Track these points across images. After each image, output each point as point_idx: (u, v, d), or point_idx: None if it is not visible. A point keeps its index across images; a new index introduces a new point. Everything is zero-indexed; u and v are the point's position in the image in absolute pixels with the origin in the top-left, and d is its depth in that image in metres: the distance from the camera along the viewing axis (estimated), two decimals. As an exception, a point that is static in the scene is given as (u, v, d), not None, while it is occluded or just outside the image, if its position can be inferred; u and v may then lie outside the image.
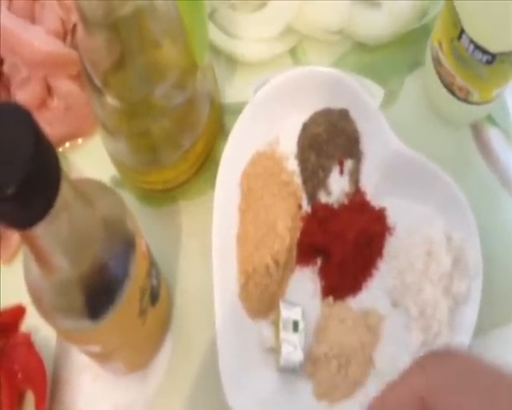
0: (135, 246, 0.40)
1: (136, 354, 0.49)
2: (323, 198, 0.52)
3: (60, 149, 0.56)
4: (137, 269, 0.41)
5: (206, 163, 0.54)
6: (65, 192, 0.31)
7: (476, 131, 0.55)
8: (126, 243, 0.40)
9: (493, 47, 0.46)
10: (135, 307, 0.42)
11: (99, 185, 0.40)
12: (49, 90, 0.56)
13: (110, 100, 0.45)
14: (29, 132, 0.28)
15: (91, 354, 0.46)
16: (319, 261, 0.51)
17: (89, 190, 0.37)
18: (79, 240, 0.35)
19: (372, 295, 0.51)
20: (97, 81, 0.44)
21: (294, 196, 0.52)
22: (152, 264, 0.45)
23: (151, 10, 0.42)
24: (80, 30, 0.43)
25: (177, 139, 0.50)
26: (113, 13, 0.40)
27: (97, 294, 0.39)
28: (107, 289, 0.39)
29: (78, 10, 0.40)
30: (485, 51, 0.46)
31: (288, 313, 0.49)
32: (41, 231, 0.31)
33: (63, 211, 0.31)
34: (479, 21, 0.46)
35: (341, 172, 0.53)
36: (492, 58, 0.46)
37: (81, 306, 0.39)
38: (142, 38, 0.43)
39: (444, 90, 0.52)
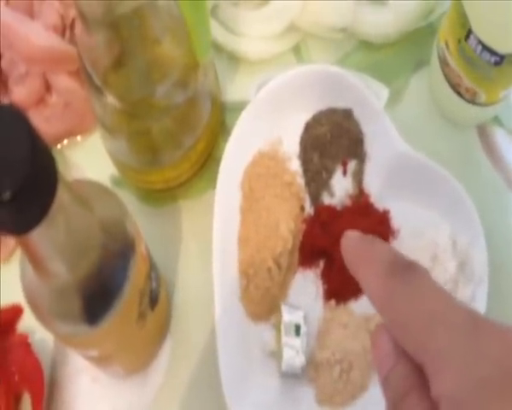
0: (134, 249, 0.39)
1: (135, 358, 0.48)
2: (326, 200, 0.52)
3: (58, 147, 0.55)
4: (137, 273, 0.40)
5: (208, 162, 0.53)
6: (62, 196, 0.30)
7: (482, 132, 0.55)
8: (126, 247, 0.39)
9: (502, 48, 0.45)
10: (134, 311, 0.41)
11: (98, 187, 0.39)
12: (47, 87, 0.55)
13: (110, 99, 0.44)
14: (25, 136, 0.27)
15: (89, 358, 0.45)
16: (321, 264, 0.51)
17: (87, 193, 0.36)
18: (77, 244, 0.34)
19: (375, 298, 0.50)
20: (97, 80, 0.43)
21: (297, 198, 0.51)
22: (151, 267, 0.44)
23: (152, 7, 0.41)
24: (79, 28, 0.42)
25: (178, 138, 0.49)
26: (113, 11, 0.39)
27: (95, 299, 0.38)
28: (106, 293, 0.38)
29: (77, 8, 0.39)
30: (493, 52, 0.45)
31: (289, 316, 0.48)
32: (37, 236, 0.30)
33: (60, 215, 0.30)
34: (487, 21, 0.45)
35: (345, 173, 0.52)
36: (501, 59, 0.45)
37: (79, 311, 0.38)
38: (142, 36, 0.42)
39: (450, 91, 0.51)
